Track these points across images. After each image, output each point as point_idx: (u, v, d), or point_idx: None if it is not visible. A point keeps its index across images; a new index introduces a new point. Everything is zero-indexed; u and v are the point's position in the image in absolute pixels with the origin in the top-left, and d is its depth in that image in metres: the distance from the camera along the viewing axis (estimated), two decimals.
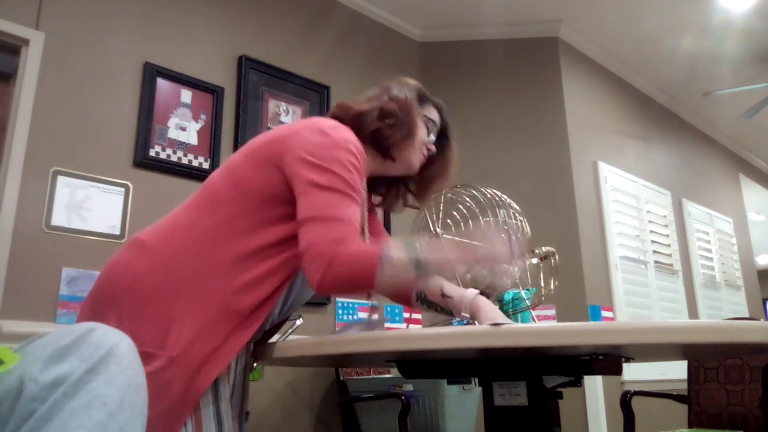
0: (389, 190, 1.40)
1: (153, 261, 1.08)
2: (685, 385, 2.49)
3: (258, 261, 1.08)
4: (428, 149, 1.32)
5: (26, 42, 2.23)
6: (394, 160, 1.29)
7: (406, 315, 3.16)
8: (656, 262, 4.00)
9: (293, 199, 1.10)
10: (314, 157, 1.09)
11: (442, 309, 1.31)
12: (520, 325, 1.01)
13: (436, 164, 1.37)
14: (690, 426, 2.42)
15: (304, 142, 1.11)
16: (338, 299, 2.94)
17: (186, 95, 2.62)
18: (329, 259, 1.00)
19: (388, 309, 3.14)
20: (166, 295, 1.04)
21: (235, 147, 2.72)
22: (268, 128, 2.87)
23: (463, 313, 1.22)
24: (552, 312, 3.23)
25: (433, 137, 1.34)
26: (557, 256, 1.58)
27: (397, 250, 1.03)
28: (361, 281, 1.01)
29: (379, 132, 1.24)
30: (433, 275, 1.08)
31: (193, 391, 1.00)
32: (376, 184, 1.38)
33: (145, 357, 0.97)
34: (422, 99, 1.33)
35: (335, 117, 1.25)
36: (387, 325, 3.12)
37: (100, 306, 1.07)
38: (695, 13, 3.72)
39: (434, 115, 1.35)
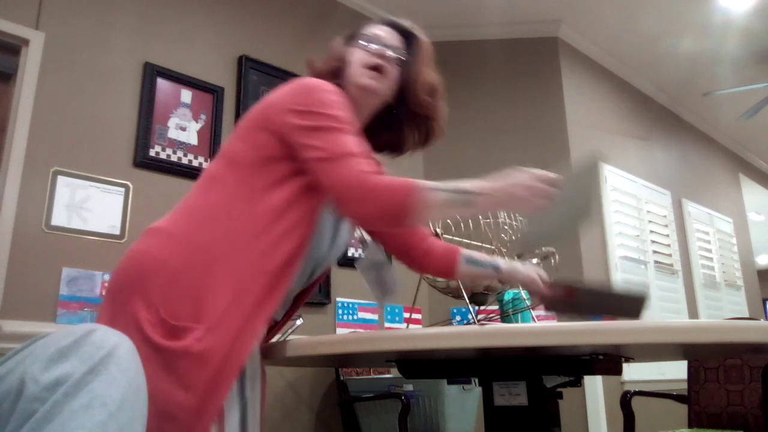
0: (390, 133, 1.37)
1: (175, 240, 1.08)
2: (685, 385, 2.49)
3: (277, 219, 1.09)
4: (378, 61, 1.27)
5: (26, 42, 2.23)
6: (353, 94, 1.28)
7: (406, 315, 3.17)
8: (656, 262, 4.01)
9: (290, 155, 1.13)
10: (299, 105, 1.13)
11: (488, 264, 1.37)
12: (520, 325, 1.01)
13: (407, 75, 1.32)
14: (690, 426, 2.42)
15: (284, 96, 1.16)
16: (338, 299, 2.94)
17: (186, 95, 2.62)
18: (363, 190, 1.05)
19: (388, 309, 3.14)
20: (196, 270, 1.04)
21: None
22: None
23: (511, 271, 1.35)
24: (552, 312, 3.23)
25: (379, 47, 1.29)
26: (557, 256, 1.58)
27: (436, 183, 1.07)
28: (398, 207, 1.04)
29: (334, 76, 1.29)
30: (480, 205, 1.07)
31: (234, 361, 1.00)
32: (375, 135, 1.36)
33: (183, 331, 0.99)
34: (355, 34, 1.34)
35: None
36: (387, 325, 3.12)
37: (122, 296, 1.05)
38: (695, 13, 3.72)
39: (374, 30, 1.33)
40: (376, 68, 1.26)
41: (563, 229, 1.16)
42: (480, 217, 1.47)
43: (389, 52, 1.29)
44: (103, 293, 2.08)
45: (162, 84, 2.55)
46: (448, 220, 1.50)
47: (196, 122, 2.62)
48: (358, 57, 1.28)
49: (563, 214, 1.10)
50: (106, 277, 2.20)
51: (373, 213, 1.06)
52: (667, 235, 4.22)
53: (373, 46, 1.29)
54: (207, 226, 1.09)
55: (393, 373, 2.69)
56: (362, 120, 1.30)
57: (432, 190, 1.04)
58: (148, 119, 2.46)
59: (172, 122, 2.54)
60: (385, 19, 1.37)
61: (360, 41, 1.30)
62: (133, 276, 1.05)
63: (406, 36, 1.35)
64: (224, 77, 2.78)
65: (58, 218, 2.17)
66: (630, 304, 1.20)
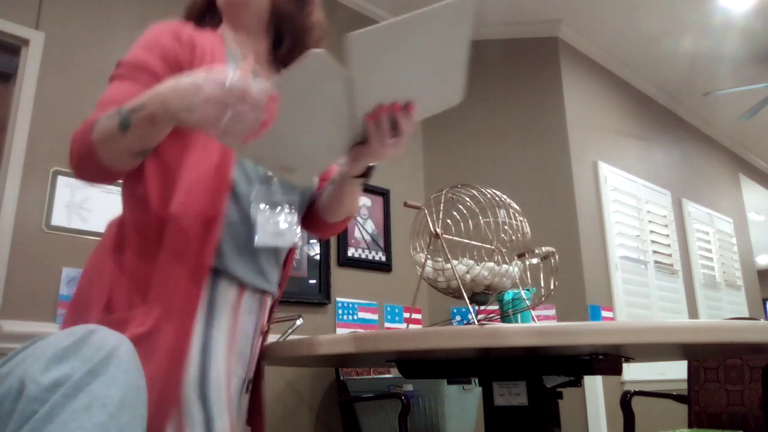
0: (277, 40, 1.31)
1: (98, 248, 1.08)
2: (685, 385, 2.49)
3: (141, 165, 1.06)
4: None
5: (26, 42, 2.23)
6: (220, 16, 1.28)
7: (406, 315, 3.17)
8: (656, 262, 4.01)
9: None
10: None
11: (330, 184, 1.22)
12: (520, 325, 1.01)
13: None
14: (690, 426, 2.42)
15: None
16: (338, 299, 2.94)
17: None
18: (70, 142, 1.01)
19: (388, 309, 3.14)
20: (99, 262, 1.05)
21: None
22: None
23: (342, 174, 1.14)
24: (552, 312, 3.24)
25: None
26: (557, 256, 1.58)
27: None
28: (82, 147, 0.97)
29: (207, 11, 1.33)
30: (142, 123, 0.92)
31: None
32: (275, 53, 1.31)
33: (124, 322, 0.92)
34: None
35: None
36: (387, 324, 3.12)
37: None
38: (695, 13, 3.72)
39: None
40: None
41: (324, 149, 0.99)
42: (479, 215, 1.47)
43: None
44: None
45: None
46: (448, 220, 1.50)
47: None
48: None
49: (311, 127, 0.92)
50: None
51: (71, 161, 0.99)
52: (667, 235, 4.22)
53: None
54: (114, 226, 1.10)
55: (393, 373, 2.69)
56: (253, 34, 1.26)
57: (100, 119, 0.97)
58: None
59: None
60: None
61: None
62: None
63: None
64: None
65: (58, 218, 2.17)
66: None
